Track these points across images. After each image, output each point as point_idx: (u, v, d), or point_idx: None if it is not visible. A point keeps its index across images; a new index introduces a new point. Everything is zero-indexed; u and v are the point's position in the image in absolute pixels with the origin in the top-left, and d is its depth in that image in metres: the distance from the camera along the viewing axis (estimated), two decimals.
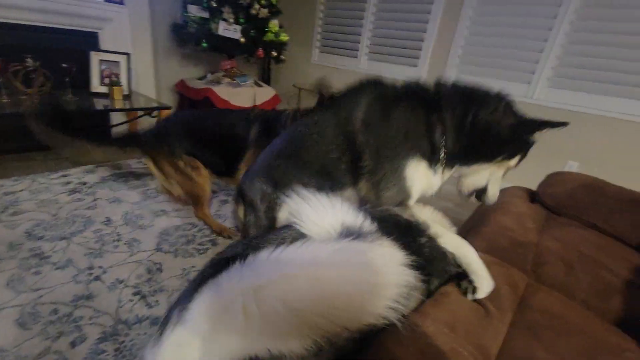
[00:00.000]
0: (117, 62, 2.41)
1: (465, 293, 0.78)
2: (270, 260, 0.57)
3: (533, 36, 2.40)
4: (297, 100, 3.68)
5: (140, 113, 2.48)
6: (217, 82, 3.10)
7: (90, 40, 2.50)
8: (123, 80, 2.43)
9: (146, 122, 2.86)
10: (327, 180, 1.01)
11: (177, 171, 1.55)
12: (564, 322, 0.75)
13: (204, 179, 1.58)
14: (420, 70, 2.99)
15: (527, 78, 2.48)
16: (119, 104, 2.29)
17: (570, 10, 2.21)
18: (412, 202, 0.98)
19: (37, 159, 2.26)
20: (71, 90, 2.14)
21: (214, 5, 2.85)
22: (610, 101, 2.21)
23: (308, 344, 0.52)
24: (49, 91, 2.13)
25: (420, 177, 0.96)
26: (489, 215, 1.24)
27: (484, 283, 0.78)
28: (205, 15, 2.93)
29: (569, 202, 1.37)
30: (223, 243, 1.63)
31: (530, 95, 2.47)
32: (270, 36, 3.23)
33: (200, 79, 3.22)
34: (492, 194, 1.03)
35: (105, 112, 2.55)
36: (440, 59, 2.87)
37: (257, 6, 3.02)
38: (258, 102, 3.16)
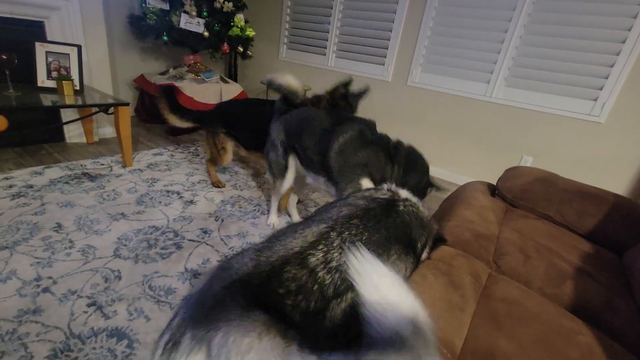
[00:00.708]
0: (66, 55, 2.22)
1: None
2: None
3: (491, 38, 2.52)
4: (265, 98, 3.62)
5: (94, 109, 2.30)
6: (181, 77, 2.96)
7: (35, 31, 2.27)
8: (74, 74, 2.24)
9: (104, 120, 2.67)
10: (315, 156, 1.48)
11: (213, 144, 2.15)
12: (522, 310, 0.79)
13: (227, 155, 2.15)
14: (388, 69, 3.04)
15: (487, 77, 2.60)
16: (69, 100, 2.11)
17: (523, 13, 2.35)
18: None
19: None
20: (12, 84, 1.93)
21: None
22: (558, 100, 2.38)
23: None
24: None
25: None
26: (454, 209, 1.29)
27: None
28: (165, 7, 2.78)
29: (524, 195, 1.45)
30: (187, 247, 1.56)
31: (490, 94, 2.60)
32: (235, 31, 3.14)
33: (162, 74, 3.05)
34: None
35: (55, 109, 2.35)
36: (406, 58, 2.93)
37: None
38: (224, 99, 3.06)
